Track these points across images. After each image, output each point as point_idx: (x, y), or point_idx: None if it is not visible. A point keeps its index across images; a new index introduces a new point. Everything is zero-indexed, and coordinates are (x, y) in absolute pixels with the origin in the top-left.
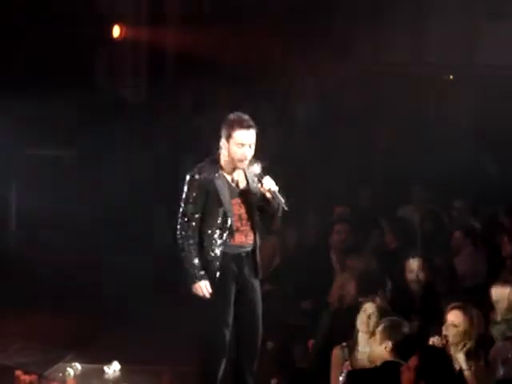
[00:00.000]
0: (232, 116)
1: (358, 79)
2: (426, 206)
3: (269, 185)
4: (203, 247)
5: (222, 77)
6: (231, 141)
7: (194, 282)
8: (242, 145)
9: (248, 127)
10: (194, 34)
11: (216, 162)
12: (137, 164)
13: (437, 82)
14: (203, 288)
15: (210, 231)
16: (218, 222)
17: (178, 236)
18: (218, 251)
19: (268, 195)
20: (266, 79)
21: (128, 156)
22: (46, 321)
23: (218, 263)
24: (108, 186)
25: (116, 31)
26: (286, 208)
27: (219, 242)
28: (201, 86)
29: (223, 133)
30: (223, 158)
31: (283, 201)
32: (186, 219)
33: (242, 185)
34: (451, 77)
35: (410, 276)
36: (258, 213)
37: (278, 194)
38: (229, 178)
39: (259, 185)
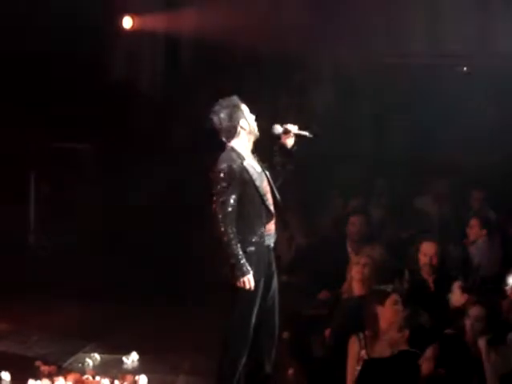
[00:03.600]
0: (226, 101)
1: (374, 68)
2: (444, 195)
3: (292, 127)
4: (241, 239)
5: (241, 63)
6: (246, 115)
7: (243, 276)
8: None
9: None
10: (209, 20)
11: (235, 152)
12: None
13: (452, 72)
14: (251, 281)
15: (249, 221)
16: (258, 210)
17: (222, 230)
18: (256, 242)
19: (290, 141)
20: (283, 66)
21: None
22: (65, 312)
23: (257, 255)
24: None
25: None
26: (311, 136)
27: (257, 232)
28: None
29: (237, 116)
30: (241, 143)
31: (307, 133)
32: (227, 212)
33: (259, 169)
34: (465, 68)
35: (424, 259)
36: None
37: (301, 131)
38: (252, 164)
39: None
